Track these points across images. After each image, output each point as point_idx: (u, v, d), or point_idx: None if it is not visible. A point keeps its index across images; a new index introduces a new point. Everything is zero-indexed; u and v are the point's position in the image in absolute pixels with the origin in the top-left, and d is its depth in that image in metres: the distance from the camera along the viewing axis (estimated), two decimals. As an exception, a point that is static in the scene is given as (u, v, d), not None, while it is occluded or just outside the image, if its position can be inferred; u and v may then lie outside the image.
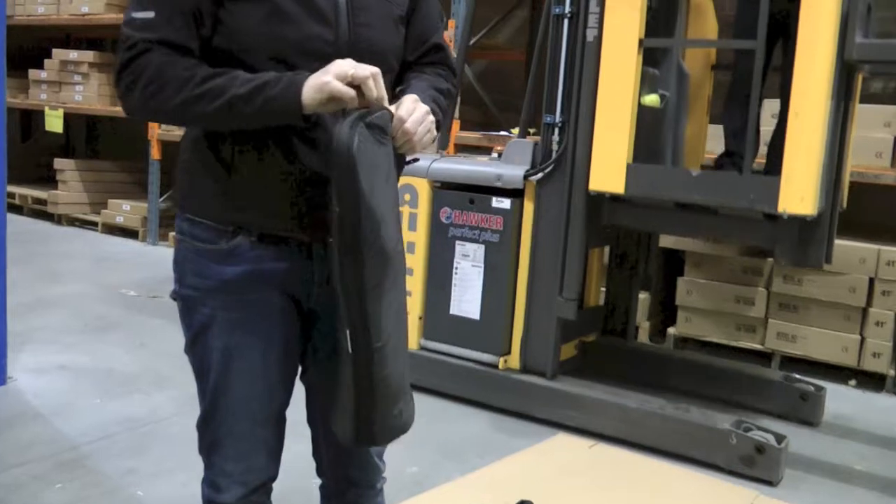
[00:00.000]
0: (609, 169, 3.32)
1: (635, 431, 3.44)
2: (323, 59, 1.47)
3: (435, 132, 1.56)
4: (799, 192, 3.01)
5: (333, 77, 1.39)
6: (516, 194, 3.65)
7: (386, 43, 1.60)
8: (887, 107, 4.62)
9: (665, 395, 3.60)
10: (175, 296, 1.63)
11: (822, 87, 2.97)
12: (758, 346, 4.74)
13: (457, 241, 3.75)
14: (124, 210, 7.43)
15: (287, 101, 1.41)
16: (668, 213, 3.40)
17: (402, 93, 1.62)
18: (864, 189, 4.38)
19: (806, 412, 3.85)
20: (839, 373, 4.57)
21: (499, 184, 3.66)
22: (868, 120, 4.54)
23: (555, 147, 3.53)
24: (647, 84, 3.46)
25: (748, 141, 3.20)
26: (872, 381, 4.55)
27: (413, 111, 1.49)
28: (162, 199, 7.27)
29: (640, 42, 3.26)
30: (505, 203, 3.65)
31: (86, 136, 9.33)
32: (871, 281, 4.50)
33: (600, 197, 3.43)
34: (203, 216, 1.57)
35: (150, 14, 1.44)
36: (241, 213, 1.55)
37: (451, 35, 5.37)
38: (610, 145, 3.32)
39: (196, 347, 1.62)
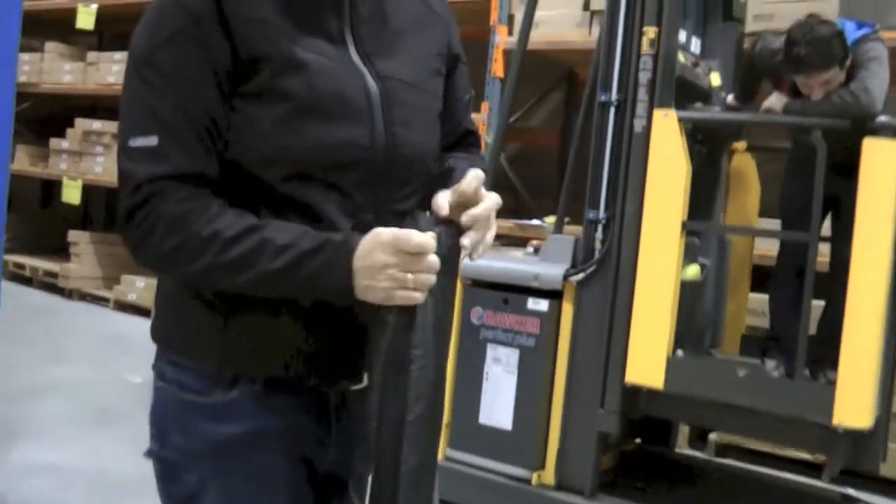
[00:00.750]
0: (648, 360, 3.10)
1: (684, 565, 3.07)
2: (355, 171, 1.20)
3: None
4: (855, 405, 2.80)
5: (398, 287, 1.14)
6: (555, 295, 3.34)
7: (427, 146, 1.32)
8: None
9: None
10: (152, 456, 1.30)
11: (880, 289, 2.81)
12: (806, 456, 4.34)
13: (488, 344, 3.43)
14: (138, 287, 7.16)
15: (334, 285, 1.14)
16: (711, 409, 3.15)
17: (447, 176, 1.34)
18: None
19: (870, 541, 3.47)
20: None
21: (536, 284, 3.35)
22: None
23: (598, 246, 3.23)
24: (686, 255, 3.22)
25: (800, 338, 2.98)
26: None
27: (487, 205, 1.24)
28: (177, 276, 7.01)
29: (683, 225, 3.04)
30: (542, 305, 3.34)
31: (105, 207, 9.17)
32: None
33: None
34: (193, 359, 1.26)
35: (153, 140, 1.14)
36: (243, 358, 1.24)
37: (483, 118, 5.14)
38: (649, 334, 3.10)
39: None
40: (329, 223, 1.20)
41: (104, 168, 7.69)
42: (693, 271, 3.31)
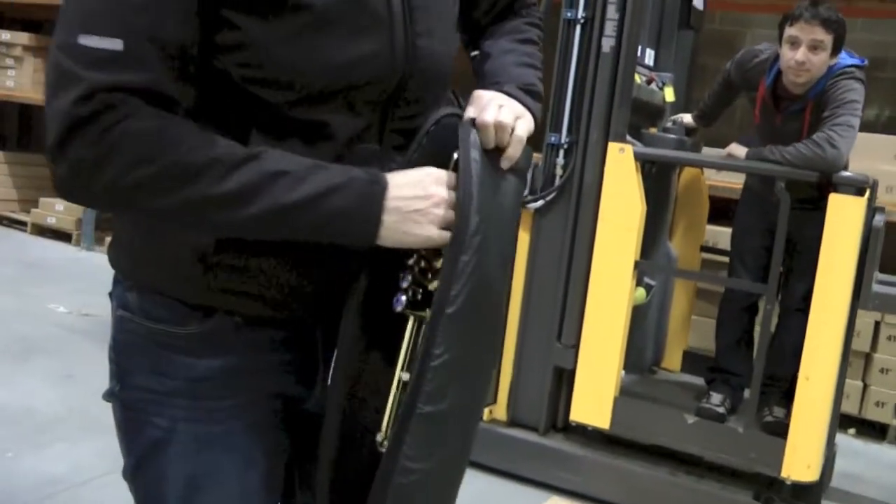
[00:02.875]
0: (595, 401, 3.06)
1: (639, 499, 3.01)
2: (370, 88, 1.02)
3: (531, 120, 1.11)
4: (805, 460, 2.83)
5: (436, 225, 0.99)
6: (512, 223, 3.20)
7: (448, 59, 1.13)
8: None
9: (675, 460, 3.16)
10: (112, 398, 1.11)
11: (836, 347, 2.83)
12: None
13: (440, 273, 3.27)
14: (57, 210, 6.76)
15: (359, 227, 0.97)
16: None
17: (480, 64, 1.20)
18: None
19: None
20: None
21: (492, 210, 3.19)
22: (876, 151, 4.20)
23: (559, 171, 3.08)
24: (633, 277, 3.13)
25: (751, 395, 2.98)
26: (874, 430, 4.24)
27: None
28: (99, 199, 6.64)
29: (636, 264, 3.00)
30: (498, 232, 3.19)
31: (18, 125, 8.62)
32: (878, 324, 4.18)
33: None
34: (166, 290, 1.06)
35: (117, 44, 0.88)
36: (227, 293, 1.05)
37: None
38: (597, 374, 3.03)
39: (144, 474, 1.11)
40: (333, 144, 1.02)
41: (16, 83, 7.20)
42: (639, 295, 3.23)
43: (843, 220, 2.76)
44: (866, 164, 4.10)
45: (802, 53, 2.94)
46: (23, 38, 7.20)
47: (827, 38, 2.94)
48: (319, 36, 0.96)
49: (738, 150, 3.13)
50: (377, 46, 1.01)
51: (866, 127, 4.69)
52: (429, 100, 1.11)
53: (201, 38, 0.94)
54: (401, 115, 1.07)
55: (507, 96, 1.10)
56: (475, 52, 1.23)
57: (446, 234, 0.99)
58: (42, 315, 4.72)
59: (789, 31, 2.98)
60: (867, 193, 2.81)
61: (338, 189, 0.95)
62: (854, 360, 4.16)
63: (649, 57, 3.56)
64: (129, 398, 1.10)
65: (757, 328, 3.25)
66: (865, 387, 4.22)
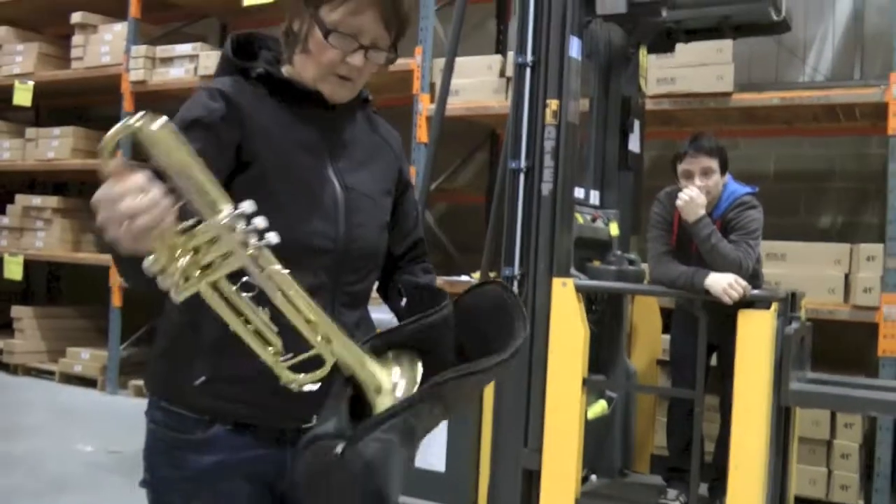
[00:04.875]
0: (559, 502, 3.41)
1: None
2: (322, 256, 1.55)
3: None
4: None
5: (119, 226, 1.16)
6: (479, 345, 3.64)
7: (376, 244, 1.67)
8: (836, 245, 4.77)
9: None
10: (145, 485, 1.61)
11: (760, 442, 3.13)
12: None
13: (421, 394, 3.70)
14: (83, 358, 7.27)
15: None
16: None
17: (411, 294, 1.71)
18: (818, 326, 4.44)
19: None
20: (809, 507, 4.52)
21: (461, 336, 3.64)
22: (821, 259, 4.68)
23: (515, 299, 3.55)
24: (593, 392, 3.57)
25: (692, 483, 3.37)
26: (843, 514, 4.51)
27: None
28: (123, 346, 7.14)
29: (584, 381, 3.41)
30: (468, 355, 3.63)
31: (46, 281, 9.22)
32: (833, 414, 4.53)
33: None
34: (182, 406, 1.56)
35: None
36: (224, 404, 1.54)
37: (414, 180, 5.45)
38: (559, 477, 3.43)
39: None
40: None
41: (45, 243, 7.78)
42: (601, 408, 3.65)
43: (752, 331, 3.18)
44: (813, 270, 4.62)
45: (698, 180, 3.49)
46: (52, 201, 7.81)
47: (713, 163, 3.51)
48: (286, 213, 1.48)
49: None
50: (326, 227, 1.56)
51: (821, 236, 5.19)
52: (364, 272, 1.64)
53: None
54: (346, 281, 1.60)
55: None
56: (387, 280, 1.77)
57: (120, 232, 1.16)
58: (72, 455, 5.16)
59: (681, 166, 3.55)
60: (774, 306, 3.22)
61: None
62: (817, 447, 4.52)
63: (594, 197, 4.10)
64: (155, 484, 1.60)
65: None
66: (830, 472, 4.52)
